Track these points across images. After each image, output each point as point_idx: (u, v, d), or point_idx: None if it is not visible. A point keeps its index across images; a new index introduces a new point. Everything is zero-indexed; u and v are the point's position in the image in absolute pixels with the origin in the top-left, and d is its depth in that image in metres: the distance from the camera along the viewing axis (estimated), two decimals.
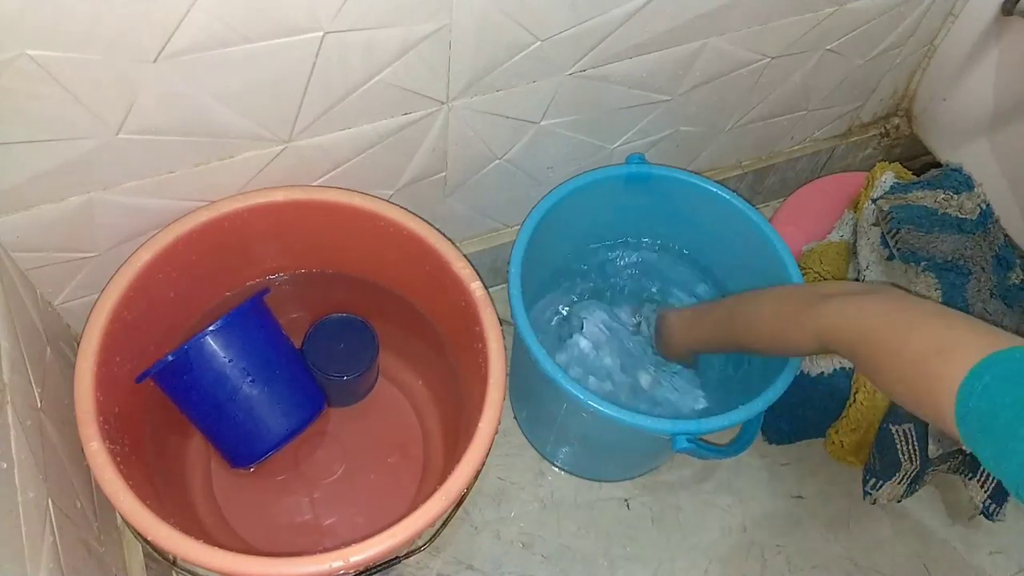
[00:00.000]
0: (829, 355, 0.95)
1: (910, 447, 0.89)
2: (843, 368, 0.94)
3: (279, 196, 0.75)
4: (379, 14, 0.62)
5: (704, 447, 0.76)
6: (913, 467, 0.89)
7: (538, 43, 0.72)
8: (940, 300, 0.90)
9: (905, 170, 1.04)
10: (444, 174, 0.85)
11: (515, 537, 0.96)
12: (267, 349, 0.79)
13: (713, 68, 0.88)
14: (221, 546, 0.59)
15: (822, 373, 0.95)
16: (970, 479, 0.92)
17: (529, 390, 0.96)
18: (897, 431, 0.89)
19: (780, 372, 0.78)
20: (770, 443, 1.04)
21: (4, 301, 0.64)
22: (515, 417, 1.04)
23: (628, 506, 1.00)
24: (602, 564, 0.96)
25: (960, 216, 0.93)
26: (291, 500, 0.90)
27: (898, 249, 0.91)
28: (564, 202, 0.86)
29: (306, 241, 0.81)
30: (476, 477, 0.67)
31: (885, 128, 1.22)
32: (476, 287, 0.75)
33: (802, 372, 0.95)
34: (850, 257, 1.02)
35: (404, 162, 0.80)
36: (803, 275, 0.85)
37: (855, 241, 1.01)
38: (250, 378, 0.76)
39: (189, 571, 0.68)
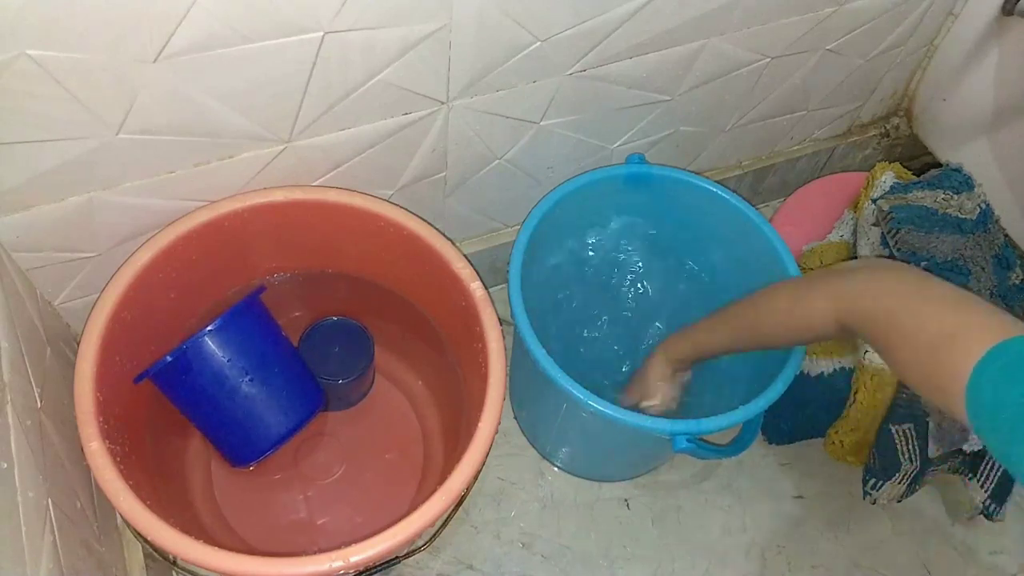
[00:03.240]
0: (829, 355, 0.95)
1: (910, 447, 0.89)
2: (843, 368, 0.94)
3: (279, 196, 0.75)
4: (379, 14, 0.62)
5: (704, 447, 0.76)
6: (913, 467, 0.89)
7: (538, 43, 0.72)
8: None
9: (905, 170, 1.04)
10: (444, 174, 0.85)
11: (515, 537, 0.96)
12: (265, 347, 0.79)
13: (713, 68, 0.88)
14: (221, 546, 0.59)
15: (822, 373, 0.95)
16: (970, 479, 0.92)
17: (529, 390, 0.96)
18: (897, 431, 0.89)
19: (780, 372, 0.78)
20: (770, 443, 1.04)
21: (4, 301, 0.64)
22: (515, 417, 1.04)
23: (628, 506, 1.00)
24: (602, 564, 0.96)
25: (960, 216, 0.93)
26: (291, 500, 0.90)
27: (898, 249, 0.91)
28: (564, 202, 0.86)
29: (306, 241, 0.81)
30: (476, 477, 0.67)
31: (885, 128, 1.22)
32: (476, 287, 0.75)
33: (802, 372, 0.95)
34: (850, 257, 1.02)
35: (404, 162, 0.80)
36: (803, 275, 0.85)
37: (855, 241, 1.01)
38: (248, 377, 0.76)
39: (189, 571, 0.68)
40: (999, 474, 0.89)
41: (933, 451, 0.87)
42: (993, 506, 0.90)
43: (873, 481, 0.91)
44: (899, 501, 0.93)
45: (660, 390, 0.84)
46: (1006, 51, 0.98)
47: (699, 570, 0.97)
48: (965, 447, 0.84)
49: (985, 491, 0.90)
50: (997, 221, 0.96)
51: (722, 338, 0.79)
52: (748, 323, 0.76)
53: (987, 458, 0.89)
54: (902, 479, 0.90)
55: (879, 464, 0.91)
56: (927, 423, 0.87)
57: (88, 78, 0.55)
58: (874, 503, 0.92)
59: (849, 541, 1.02)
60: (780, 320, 0.71)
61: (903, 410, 0.88)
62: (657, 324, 1.01)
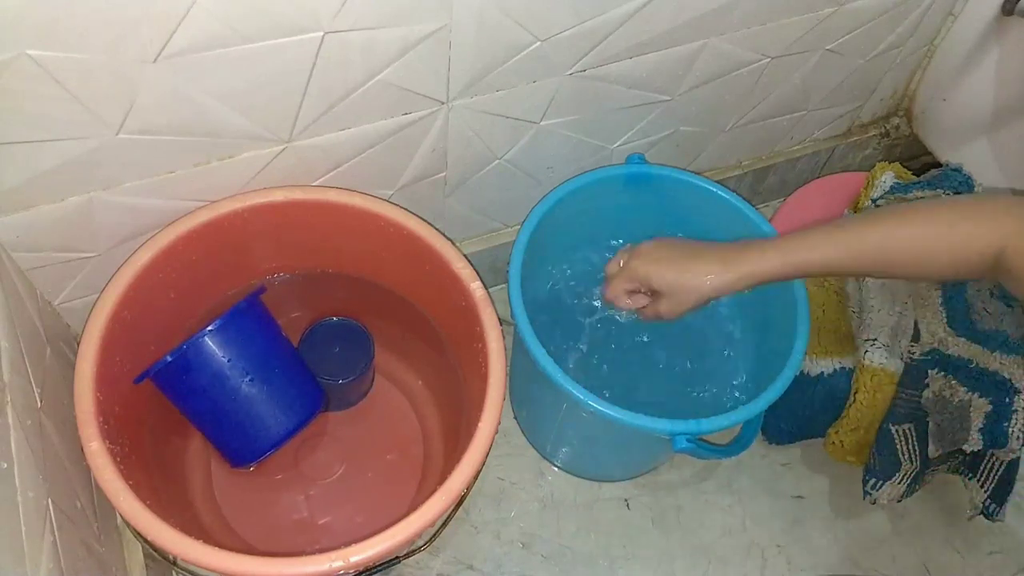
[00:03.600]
0: (829, 355, 0.95)
1: (910, 447, 0.89)
2: (843, 368, 0.94)
3: (279, 196, 0.75)
4: (379, 14, 0.62)
5: (704, 447, 0.76)
6: (913, 467, 0.89)
7: (538, 43, 0.72)
8: (940, 300, 0.90)
9: (905, 170, 1.04)
10: (444, 174, 0.85)
11: (515, 537, 0.96)
12: (265, 348, 0.79)
13: (713, 68, 0.88)
14: (221, 546, 0.59)
15: (822, 373, 0.95)
16: (970, 479, 0.92)
17: (529, 390, 0.96)
18: (897, 431, 0.89)
19: (780, 372, 0.78)
20: (770, 443, 1.04)
21: (4, 301, 0.64)
22: (515, 417, 1.04)
23: (628, 506, 1.00)
24: (602, 564, 0.96)
25: None
26: (291, 500, 0.90)
27: None
28: (564, 202, 0.86)
29: (306, 241, 0.81)
30: (476, 477, 0.67)
31: (885, 128, 1.22)
32: (476, 287, 0.75)
33: (802, 372, 0.95)
34: None
35: (404, 162, 0.80)
36: None
37: None
38: (249, 377, 0.76)
39: (189, 571, 0.68)
40: (999, 474, 0.89)
41: (933, 451, 0.87)
42: (993, 506, 0.90)
43: (873, 481, 0.91)
44: (899, 501, 0.93)
45: (687, 305, 0.71)
46: (1006, 51, 0.98)
47: (699, 570, 0.97)
48: (965, 447, 0.84)
49: (985, 491, 0.90)
50: None
51: (838, 255, 0.66)
52: (889, 240, 0.64)
53: (987, 458, 0.90)
54: (902, 479, 0.90)
55: (879, 464, 0.91)
56: (927, 423, 0.87)
57: (88, 78, 0.55)
58: (874, 503, 0.92)
59: (849, 541, 1.02)
60: (936, 239, 0.61)
61: (903, 410, 0.88)
62: (656, 323, 1.01)
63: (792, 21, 0.87)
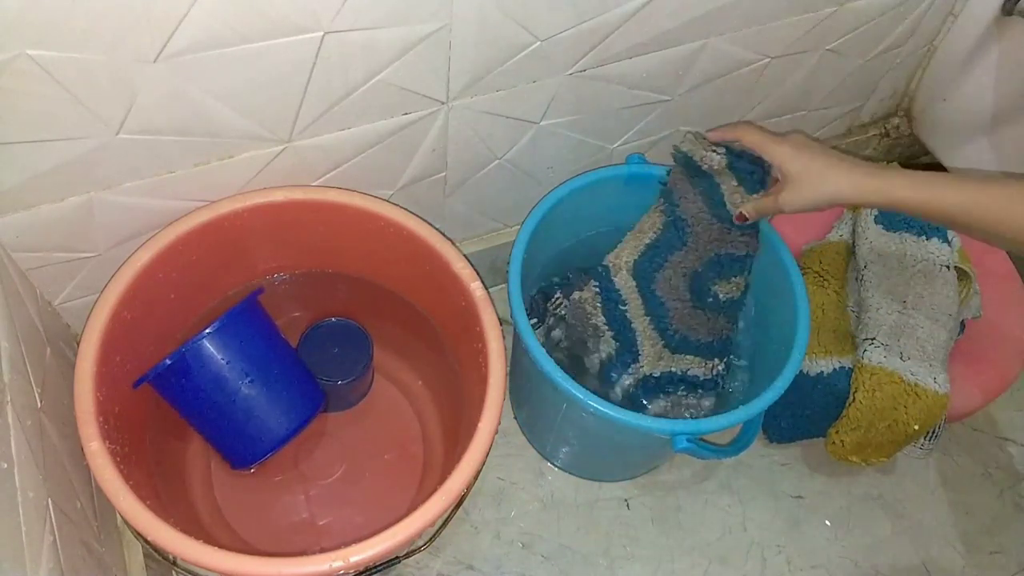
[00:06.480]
0: (829, 355, 0.95)
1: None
2: (843, 368, 0.94)
3: (279, 196, 0.75)
4: (379, 14, 0.62)
5: (704, 447, 0.76)
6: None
7: (538, 43, 0.72)
8: None
9: None
10: (444, 174, 0.85)
11: (515, 537, 0.96)
12: (264, 349, 0.79)
13: (713, 68, 0.88)
14: (221, 546, 0.60)
15: (822, 373, 0.95)
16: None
17: (529, 390, 0.96)
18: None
19: (780, 372, 0.78)
20: (771, 442, 1.04)
21: (4, 301, 0.64)
22: (515, 417, 1.04)
23: (628, 506, 1.00)
24: (602, 564, 0.96)
25: None
26: (291, 500, 0.90)
27: None
28: (564, 202, 0.86)
29: (306, 241, 0.81)
30: (476, 477, 0.67)
31: (885, 128, 1.22)
32: (476, 287, 0.75)
33: (802, 372, 0.95)
34: (848, 257, 1.02)
35: (404, 162, 0.80)
36: (803, 275, 0.85)
37: (853, 241, 1.01)
38: (248, 379, 0.76)
39: (189, 571, 0.68)
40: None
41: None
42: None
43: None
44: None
45: (808, 198, 0.72)
46: (1006, 51, 0.98)
47: (699, 570, 0.97)
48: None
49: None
50: None
51: (960, 202, 0.65)
52: (976, 219, 0.64)
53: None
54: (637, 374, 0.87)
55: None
56: None
57: (88, 78, 0.55)
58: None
59: (849, 541, 1.02)
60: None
61: None
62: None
63: (792, 21, 0.87)
